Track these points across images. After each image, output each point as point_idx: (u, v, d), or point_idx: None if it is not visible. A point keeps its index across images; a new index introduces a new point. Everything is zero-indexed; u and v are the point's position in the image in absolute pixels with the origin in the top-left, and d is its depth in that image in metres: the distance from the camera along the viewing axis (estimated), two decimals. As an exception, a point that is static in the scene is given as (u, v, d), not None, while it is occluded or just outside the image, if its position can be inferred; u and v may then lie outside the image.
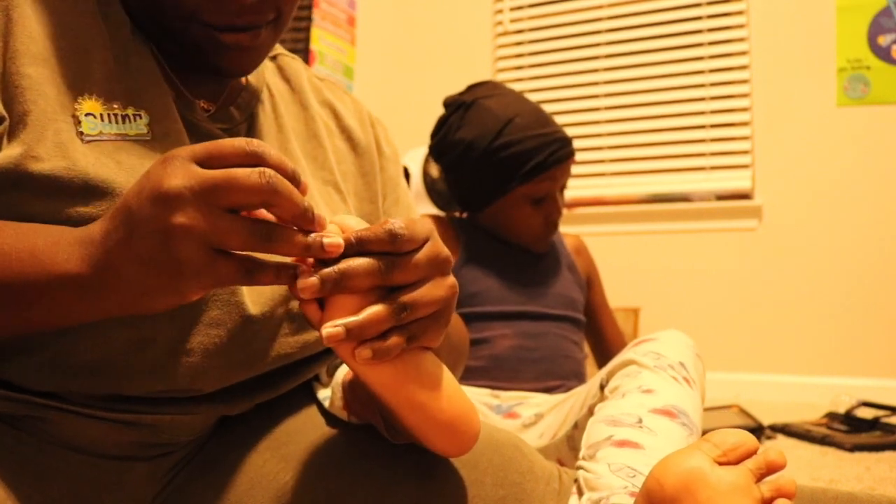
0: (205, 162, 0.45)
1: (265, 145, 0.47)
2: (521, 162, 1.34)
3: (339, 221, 0.51)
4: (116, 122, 0.58)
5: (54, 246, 0.48)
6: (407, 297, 0.49)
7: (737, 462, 0.52)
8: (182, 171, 0.44)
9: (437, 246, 0.51)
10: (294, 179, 0.47)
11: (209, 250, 0.45)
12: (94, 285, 0.47)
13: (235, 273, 0.46)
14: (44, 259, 0.47)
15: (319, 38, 2.61)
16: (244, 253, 0.46)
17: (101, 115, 0.57)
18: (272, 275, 0.47)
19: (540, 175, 1.35)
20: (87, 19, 0.60)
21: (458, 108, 1.41)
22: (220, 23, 0.60)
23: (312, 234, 0.47)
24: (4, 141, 0.54)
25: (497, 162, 1.35)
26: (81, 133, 0.55)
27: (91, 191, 0.54)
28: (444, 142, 1.42)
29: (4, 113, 0.54)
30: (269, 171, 0.45)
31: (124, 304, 0.47)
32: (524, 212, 1.39)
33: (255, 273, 0.47)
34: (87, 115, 0.56)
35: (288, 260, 0.49)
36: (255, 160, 0.46)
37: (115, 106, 0.58)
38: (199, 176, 0.44)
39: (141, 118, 0.59)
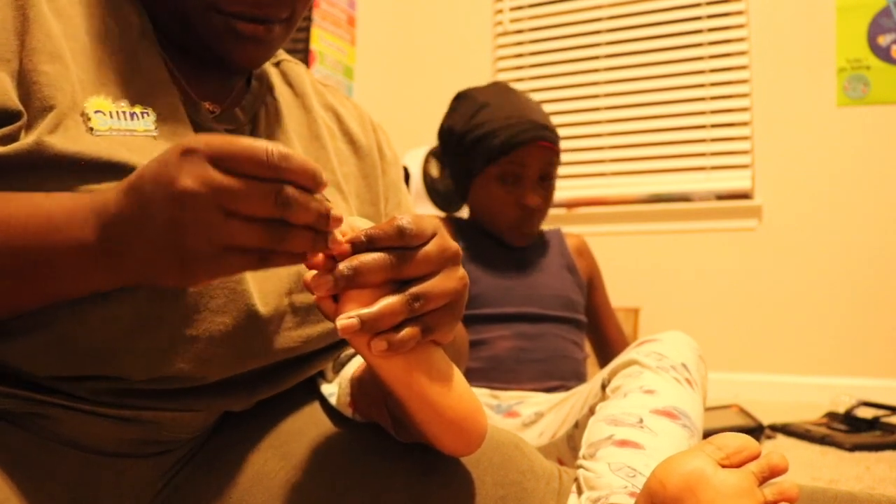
0: (222, 163, 0.45)
1: (286, 153, 0.45)
2: (488, 141, 1.37)
3: (348, 223, 0.52)
4: (125, 119, 0.59)
5: (70, 213, 0.49)
6: (419, 288, 0.50)
7: (739, 465, 0.52)
8: (198, 171, 0.44)
9: (446, 240, 0.52)
10: (316, 181, 0.46)
11: (219, 247, 0.45)
12: (106, 255, 0.48)
13: (248, 264, 0.47)
14: (60, 225, 0.49)
15: (319, 38, 2.61)
16: None
17: (111, 112, 0.59)
18: (285, 259, 0.48)
19: (506, 155, 1.36)
20: (97, 21, 0.62)
21: (454, 100, 1.48)
22: (239, 11, 0.63)
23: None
24: (22, 134, 0.55)
25: (468, 144, 1.39)
26: (91, 129, 0.57)
27: (103, 169, 0.55)
28: (439, 133, 1.48)
29: (22, 108, 0.55)
30: (285, 193, 0.45)
31: (133, 276, 0.49)
32: (494, 193, 1.40)
33: (269, 259, 0.47)
34: (96, 112, 0.58)
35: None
36: (273, 174, 0.45)
37: (123, 104, 0.60)
38: (215, 183, 0.44)
39: (148, 115, 0.60)
